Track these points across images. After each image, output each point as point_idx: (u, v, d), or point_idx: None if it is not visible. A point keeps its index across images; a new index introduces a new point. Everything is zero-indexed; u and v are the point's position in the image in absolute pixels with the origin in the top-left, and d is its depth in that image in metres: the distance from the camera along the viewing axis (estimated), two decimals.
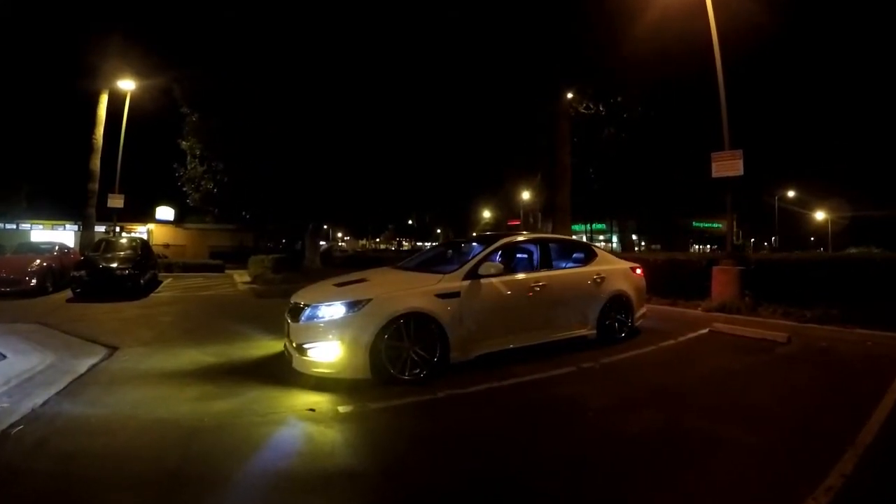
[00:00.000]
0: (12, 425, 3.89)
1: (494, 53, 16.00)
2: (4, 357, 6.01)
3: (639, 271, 7.48)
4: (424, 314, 5.16)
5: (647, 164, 24.61)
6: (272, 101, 16.76)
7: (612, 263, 7.17)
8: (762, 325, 8.02)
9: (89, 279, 12.90)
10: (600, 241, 42.87)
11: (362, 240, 72.71)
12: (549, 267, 6.45)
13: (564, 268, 6.75)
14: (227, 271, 24.06)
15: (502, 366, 5.54)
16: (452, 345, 5.30)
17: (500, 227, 42.05)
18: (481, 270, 5.62)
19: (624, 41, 14.27)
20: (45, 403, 4.39)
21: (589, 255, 7.08)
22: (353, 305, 5.00)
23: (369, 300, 5.04)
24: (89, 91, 19.99)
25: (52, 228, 34.60)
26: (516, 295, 5.87)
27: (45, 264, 13.89)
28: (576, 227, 43.23)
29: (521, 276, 6.08)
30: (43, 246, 16.39)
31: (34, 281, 13.26)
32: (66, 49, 18.38)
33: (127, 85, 20.09)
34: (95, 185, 20.56)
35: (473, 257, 5.84)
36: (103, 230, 32.07)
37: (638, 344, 6.75)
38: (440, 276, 5.61)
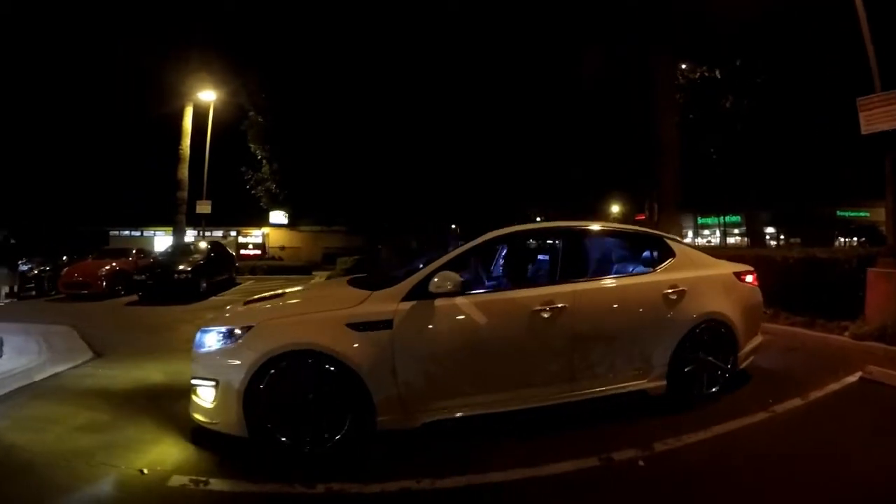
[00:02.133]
0: None
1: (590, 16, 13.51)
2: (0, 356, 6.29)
3: (750, 279, 4.65)
4: (320, 353, 3.29)
5: (778, 137, 19.75)
6: (353, 101, 16.02)
7: (702, 267, 4.40)
8: None
9: (149, 282, 13.44)
10: (734, 235, 36.76)
11: None
12: (580, 275, 3.98)
13: (612, 275, 4.24)
14: (314, 273, 23.96)
15: (471, 441, 3.42)
16: (380, 404, 3.32)
17: (626, 222, 38.29)
18: (434, 286, 3.45)
19: None
20: None
21: (660, 253, 4.39)
22: (229, 334, 3.52)
23: (249, 328, 3.46)
24: (176, 104, 20.59)
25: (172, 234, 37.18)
26: (507, 324, 3.62)
27: (117, 268, 14.64)
28: (707, 221, 37.89)
29: (515, 293, 3.78)
30: (120, 251, 17.17)
31: (104, 284, 14.02)
32: (153, 66, 19.08)
33: (208, 96, 20.50)
34: (184, 193, 21.16)
35: (428, 264, 3.68)
36: (220, 234, 34.31)
37: (738, 406, 3.97)
38: (367, 293, 3.59)
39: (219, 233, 34.22)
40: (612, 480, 2.99)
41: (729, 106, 17.09)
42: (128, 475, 3.23)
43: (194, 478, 3.13)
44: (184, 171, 20.99)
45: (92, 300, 13.29)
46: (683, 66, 14.97)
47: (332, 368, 3.31)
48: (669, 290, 4.08)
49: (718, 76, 15.91)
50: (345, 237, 33.27)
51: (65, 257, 16.65)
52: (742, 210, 29.86)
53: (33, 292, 14.85)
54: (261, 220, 38.90)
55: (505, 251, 4.12)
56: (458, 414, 3.50)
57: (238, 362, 3.36)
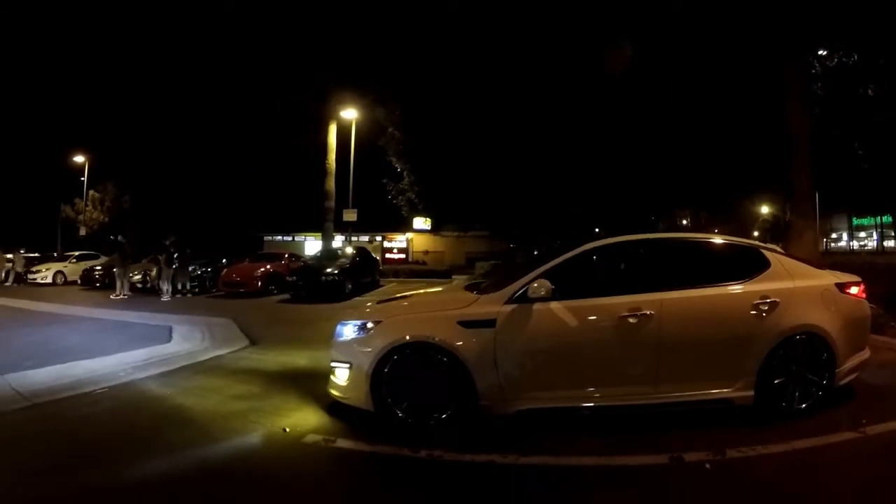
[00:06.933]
0: (100, 388, 5.24)
1: None
2: (170, 340, 7.77)
3: (854, 291, 4.63)
4: (434, 345, 4.05)
5: None
6: (489, 115, 16.76)
7: (798, 278, 4.45)
8: None
9: (300, 283, 15.04)
10: (892, 238, 31.47)
11: None
12: (668, 284, 4.22)
13: (700, 285, 4.34)
14: (454, 277, 24.86)
15: (558, 430, 3.95)
16: (482, 391, 3.99)
17: (778, 223, 34.98)
18: (532, 291, 4.04)
19: None
20: (145, 378, 5.68)
21: (753, 263, 4.48)
22: (362, 327, 4.43)
23: (378, 323, 4.38)
24: (323, 122, 23.09)
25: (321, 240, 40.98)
26: (596, 328, 4.11)
27: (271, 270, 16.71)
28: (863, 222, 33.28)
29: (604, 300, 4.18)
30: (274, 254, 19.65)
31: (259, 284, 16.04)
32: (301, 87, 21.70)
33: (350, 114, 22.70)
34: (332, 203, 23.60)
35: (528, 273, 4.29)
36: (366, 239, 36.98)
37: (826, 424, 3.93)
38: (476, 296, 4.33)
39: (365, 238, 36.28)
40: (676, 478, 3.29)
41: (866, 94, 15.15)
42: (273, 432, 4.07)
43: (325, 437, 3.93)
44: (330, 184, 23.38)
45: (247, 297, 15.16)
46: (821, 53, 13.61)
47: (443, 358, 4.03)
48: (760, 301, 4.21)
49: (853, 58, 14.21)
50: (488, 242, 34.30)
51: (224, 260, 18.61)
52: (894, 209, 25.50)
53: (196, 290, 16.83)
54: (404, 225, 41.26)
55: (597, 260, 4.56)
56: (549, 405, 4.05)
57: (368, 349, 4.19)
